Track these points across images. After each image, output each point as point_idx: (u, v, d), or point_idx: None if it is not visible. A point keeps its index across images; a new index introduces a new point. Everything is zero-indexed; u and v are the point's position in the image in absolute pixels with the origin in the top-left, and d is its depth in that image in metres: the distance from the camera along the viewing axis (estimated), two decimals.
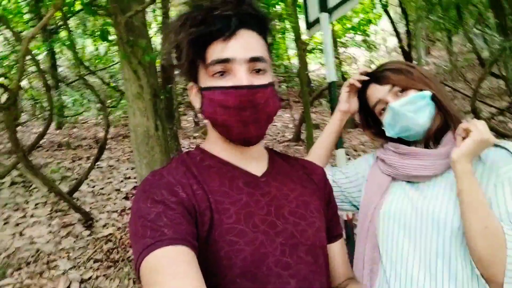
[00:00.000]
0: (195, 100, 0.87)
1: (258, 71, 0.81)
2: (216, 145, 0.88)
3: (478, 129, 0.94)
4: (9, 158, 5.39)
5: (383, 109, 1.13)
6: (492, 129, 5.26)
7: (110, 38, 3.00)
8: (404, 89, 1.09)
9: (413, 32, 11.07)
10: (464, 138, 0.97)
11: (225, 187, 0.81)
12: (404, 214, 1.06)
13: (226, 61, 0.78)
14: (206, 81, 0.81)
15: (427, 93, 1.06)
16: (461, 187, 0.94)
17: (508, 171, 0.96)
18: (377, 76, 1.16)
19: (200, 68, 0.82)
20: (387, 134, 1.14)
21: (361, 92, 1.24)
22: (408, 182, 1.11)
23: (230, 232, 0.75)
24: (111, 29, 3.23)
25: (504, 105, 6.28)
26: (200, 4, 0.79)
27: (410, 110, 1.05)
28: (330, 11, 2.18)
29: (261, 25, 0.84)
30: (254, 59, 0.79)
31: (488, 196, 0.96)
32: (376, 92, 1.14)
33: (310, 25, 2.42)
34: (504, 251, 0.88)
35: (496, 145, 1.02)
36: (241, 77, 0.78)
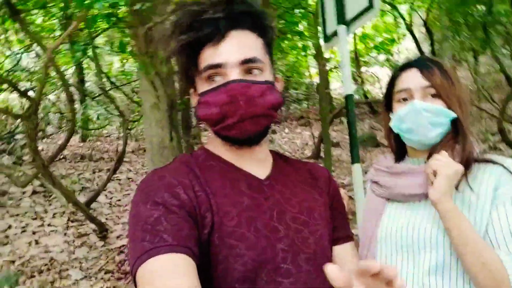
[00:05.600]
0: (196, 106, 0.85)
1: (252, 71, 0.78)
2: (219, 147, 0.86)
3: (443, 163, 0.93)
4: (33, 168, 5.53)
5: (404, 99, 1.05)
6: None
7: (130, 50, 3.05)
8: (437, 96, 1.01)
9: (438, 52, 10.90)
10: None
11: (227, 189, 0.78)
12: (400, 235, 1.02)
13: (217, 66, 0.76)
14: (201, 86, 0.80)
15: (453, 114, 1.00)
16: (448, 226, 0.92)
17: (506, 192, 0.93)
18: (423, 63, 1.04)
19: (195, 74, 0.81)
20: (391, 123, 1.09)
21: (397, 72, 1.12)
22: (404, 202, 1.06)
23: (231, 235, 0.73)
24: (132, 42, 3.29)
25: None
26: (188, 9, 0.77)
27: (429, 118, 0.99)
28: (348, 24, 2.16)
29: (256, 22, 0.80)
30: (247, 61, 0.76)
31: (485, 222, 0.93)
32: (411, 80, 1.03)
33: (327, 38, 2.41)
34: (508, 284, 0.85)
35: (491, 162, 0.98)
36: (233, 77, 0.76)
